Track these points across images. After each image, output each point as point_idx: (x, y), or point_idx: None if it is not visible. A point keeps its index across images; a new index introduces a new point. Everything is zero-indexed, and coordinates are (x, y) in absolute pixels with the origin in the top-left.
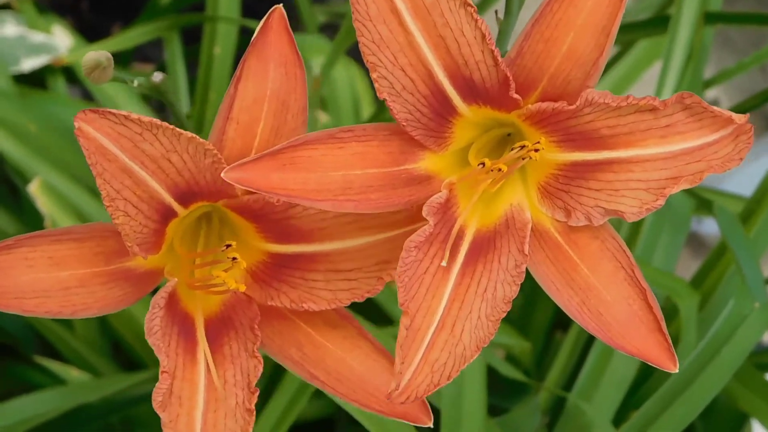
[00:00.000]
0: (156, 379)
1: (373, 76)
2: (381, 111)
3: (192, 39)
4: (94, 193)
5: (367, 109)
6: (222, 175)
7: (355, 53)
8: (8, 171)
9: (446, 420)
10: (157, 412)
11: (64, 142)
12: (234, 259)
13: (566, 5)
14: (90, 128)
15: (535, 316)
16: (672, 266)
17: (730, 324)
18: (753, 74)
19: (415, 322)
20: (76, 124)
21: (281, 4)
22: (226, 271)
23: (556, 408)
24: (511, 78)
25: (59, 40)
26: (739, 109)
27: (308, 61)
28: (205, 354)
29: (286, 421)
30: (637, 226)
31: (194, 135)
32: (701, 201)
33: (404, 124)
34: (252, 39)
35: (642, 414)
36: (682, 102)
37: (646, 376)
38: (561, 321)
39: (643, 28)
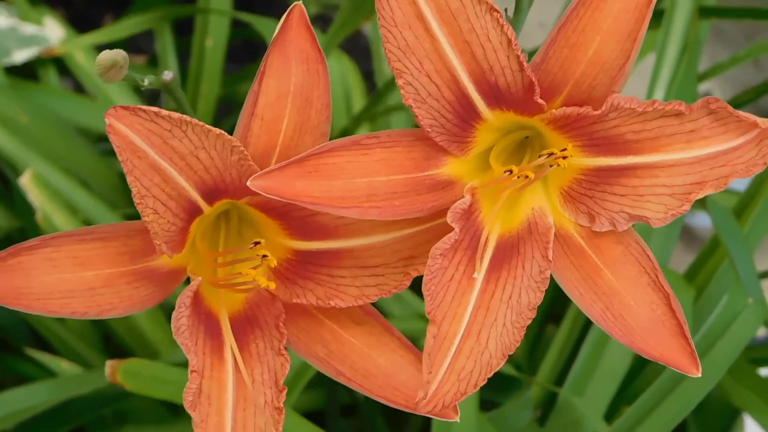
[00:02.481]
0: None
1: (399, 82)
2: (372, 105)
3: (184, 30)
4: (86, 185)
5: (358, 103)
6: (248, 183)
7: (347, 46)
8: (1, 164)
9: None
10: (188, 412)
11: (56, 133)
12: (264, 256)
13: (592, 10)
14: (121, 125)
15: None
16: (666, 260)
17: (724, 319)
18: (746, 68)
19: (442, 330)
20: (107, 121)
21: (300, 0)
22: (254, 268)
23: (548, 402)
24: (536, 83)
25: (51, 31)
26: (733, 103)
27: None
28: (233, 352)
29: None
30: None
31: (222, 132)
32: None
33: (429, 130)
34: (273, 36)
35: (635, 409)
36: (708, 107)
37: (639, 371)
38: (553, 315)
39: None
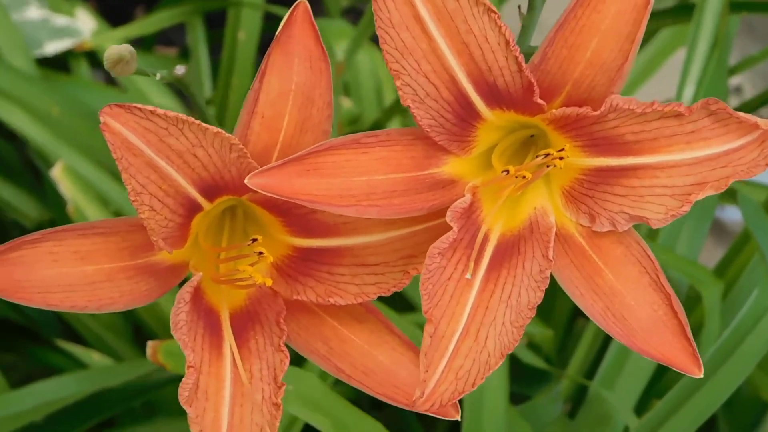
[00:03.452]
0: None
1: (397, 83)
2: None
3: (215, 23)
4: (117, 177)
5: (389, 95)
6: (246, 181)
7: (377, 39)
8: (31, 155)
9: (469, 408)
10: (184, 407)
11: (88, 126)
12: (260, 253)
13: (590, 11)
14: (116, 123)
15: (557, 304)
16: (696, 254)
17: (754, 314)
18: None
19: (440, 329)
20: (102, 119)
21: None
22: (252, 265)
23: (578, 396)
24: (535, 83)
25: (82, 23)
26: (765, 97)
27: (331, 46)
28: (231, 348)
29: None
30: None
31: (220, 130)
32: (727, 190)
33: (428, 130)
34: (276, 33)
35: (665, 403)
36: (708, 108)
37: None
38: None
39: (667, 17)
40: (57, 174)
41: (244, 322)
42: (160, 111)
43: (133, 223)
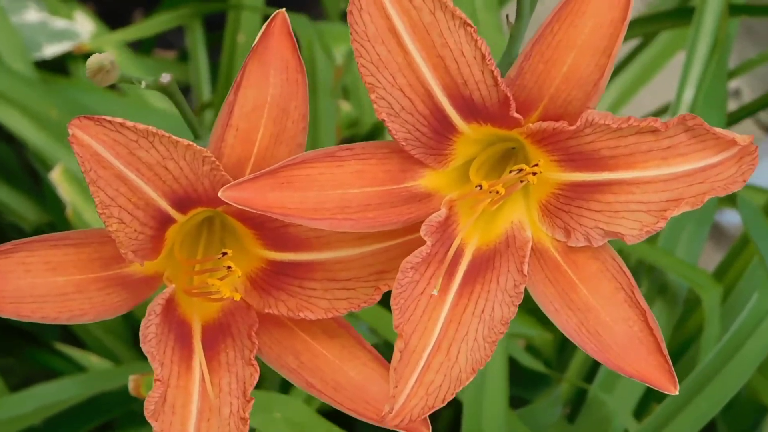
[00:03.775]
0: None
1: (372, 97)
2: None
3: (214, 26)
4: None
5: None
6: (219, 194)
7: None
8: (30, 157)
9: (468, 412)
10: (149, 421)
11: None
12: (229, 267)
13: (566, 26)
14: (84, 135)
15: None
16: (695, 258)
17: (754, 317)
18: None
19: (410, 344)
20: (70, 131)
21: (284, 8)
22: (221, 279)
23: (578, 399)
24: (511, 98)
25: (81, 26)
26: (764, 100)
27: (331, 50)
28: (200, 364)
29: (312, 404)
30: None
31: (191, 143)
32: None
33: (403, 143)
34: (253, 44)
35: (665, 407)
36: (684, 123)
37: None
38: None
39: (667, 20)
40: (56, 177)
41: (216, 334)
42: (129, 123)
43: (106, 235)
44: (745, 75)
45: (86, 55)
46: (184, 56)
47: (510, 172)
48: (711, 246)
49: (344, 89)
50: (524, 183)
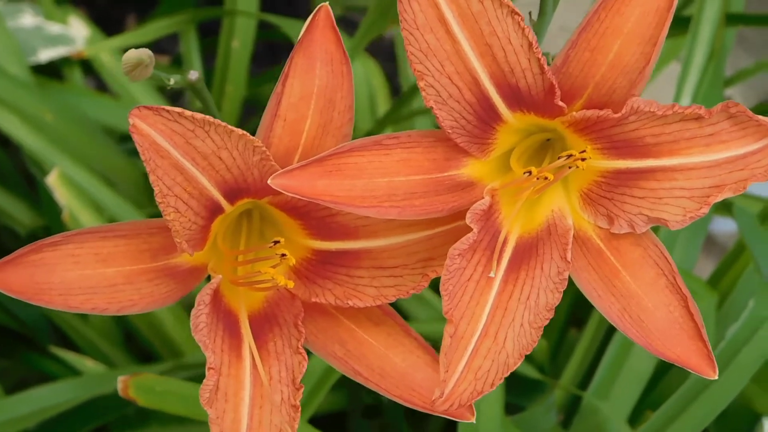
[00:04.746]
0: (170, 370)
1: (420, 84)
2: (396, 108)
3: (208, 31)
4: (111, 184)
5: (382, 106)
6: (269, 182)
7: (372, 49)
8: (26, 161)
9: None
10: (204, 408)
11: (81, 132)
12: (283, 255)
13: (613, 14)
14: (144, 124)
15: None
16: (690, 266)
17: (750, 326)
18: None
19: (459, 329)
20: (131, 121)
21: (326, 2)
22: (273, 267)
23: (572, 406)
24: (556, 86)
25: (76, 31)
26: (758, 110)
27: None
28: (251, 350)
29: (305, 412)
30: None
31: (245, 132)
32: (720, 201)
33: (450, 131)
34: (299, 37)
35: (659, 415)
36: (728, 111)
37: (662, 375)
38: (575, 319)
39: None
40: (52, 181)
41: (262, 324)
42: (187, 113)
43: (154, 226)
44: (738, 84)
45: (81, 60)
46: (177, 62)
47: (558, 158)
48: (702, 255)
49: None
50: (572, 169)
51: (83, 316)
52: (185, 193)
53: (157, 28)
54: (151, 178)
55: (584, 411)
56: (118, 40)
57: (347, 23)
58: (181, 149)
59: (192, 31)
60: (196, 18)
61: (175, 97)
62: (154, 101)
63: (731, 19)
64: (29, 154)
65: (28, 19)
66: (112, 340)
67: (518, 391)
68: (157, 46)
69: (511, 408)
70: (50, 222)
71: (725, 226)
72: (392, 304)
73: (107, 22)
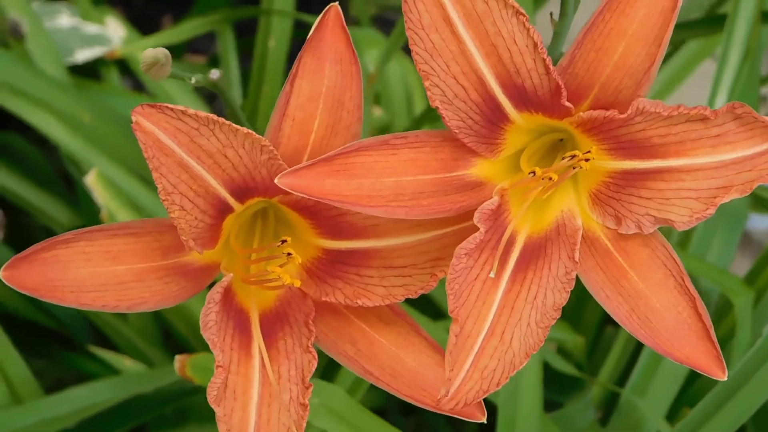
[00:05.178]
0: None
1: (426, 84)
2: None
3: (244, 31)
4: (149, 183)
5: (419, 103)
6: (276, 181)
7: (408, 48)
8: (64, 162)
9: (503, 415)
10: (212, 406)
11: (119, 132)
12: (289, 254)
13: (618, 15)
14: (147, 122)
15: (586, 311)
16: (727, 263)
17: None
18: None
19: (465, 329)
20: (134, 118)
21: (336, 1)
22: (281, 266)
23: (610, 403)
24: (562, 86)
25: (113, 31)
26: None
27: (361, 55)
28: (260, 349)
29: None
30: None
31: (251, 131)
32: (757, 199)
33: (456, 131)
34: (308, 36)
35: (697, 412)
36: (733, 111)
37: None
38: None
39: (697, 27)
40: (91, 181)
41: (273, 322)
42: (191, 111)
43: (165, 224)
44: None
45: (117, 60)
46: (214, 62)
47: (563, 159)
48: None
49: (376, 95)
50: (576, 170)
51: (122, 315)
52: (191, 192)
53: (191, 27)
54: (155, 175)
55: (622, 408)
56: (153, 39)
57: (383, 22)
58: (185, 147)
59: (228, 31)
60: (232, 17)
61: (211, 97)
62: (190, 102)
63: (767, 16)
64: (66, 155)
65: (64, 19)
66: (151, 339)
67: (556, 388)
68: (191, 47)
69: (549, 405)
70: (88, 221)
71: (762, 224)
72: (424, 296)
73: (143, 23)
